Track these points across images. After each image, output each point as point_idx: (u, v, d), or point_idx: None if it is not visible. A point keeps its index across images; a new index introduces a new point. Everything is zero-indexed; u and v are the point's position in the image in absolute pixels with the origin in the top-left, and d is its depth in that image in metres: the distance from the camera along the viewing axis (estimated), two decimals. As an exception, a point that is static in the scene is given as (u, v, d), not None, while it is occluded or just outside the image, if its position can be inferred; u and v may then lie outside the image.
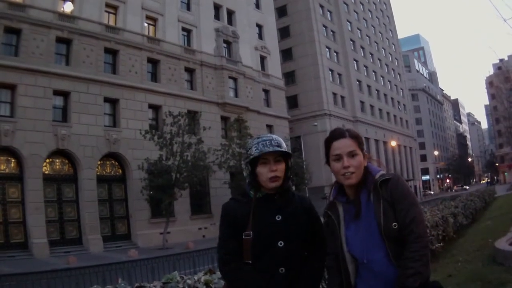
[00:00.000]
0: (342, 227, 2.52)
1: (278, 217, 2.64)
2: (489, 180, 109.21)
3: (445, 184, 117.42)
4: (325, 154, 2.60)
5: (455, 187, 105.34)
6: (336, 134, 2.57)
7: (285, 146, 2.69)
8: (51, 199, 25.97)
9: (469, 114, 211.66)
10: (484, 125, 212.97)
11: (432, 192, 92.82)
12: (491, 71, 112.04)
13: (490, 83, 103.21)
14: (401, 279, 2.27)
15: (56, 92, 27.15)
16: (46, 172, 26.36)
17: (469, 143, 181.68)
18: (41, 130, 25.61)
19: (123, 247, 27.23)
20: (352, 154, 2.48)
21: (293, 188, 2.93)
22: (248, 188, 2.75)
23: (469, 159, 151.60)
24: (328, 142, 2.57)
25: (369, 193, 2.48)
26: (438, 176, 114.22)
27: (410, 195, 2.46)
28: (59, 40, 27.99)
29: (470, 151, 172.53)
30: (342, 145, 2.50)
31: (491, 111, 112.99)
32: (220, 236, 2.72)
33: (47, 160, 26.52)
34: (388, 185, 2.45)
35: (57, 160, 27.30)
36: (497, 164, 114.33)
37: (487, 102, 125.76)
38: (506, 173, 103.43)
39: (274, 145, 2.64)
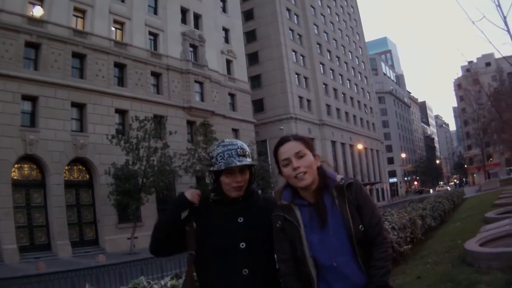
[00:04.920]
0: (303, 232, 2.51)
1: (240, 219, 2.69)
2: (457, 182, 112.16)
3: (413, 186, 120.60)
4: (276, 164, 2.64)
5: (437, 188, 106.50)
6: (281, 140, 2.63)
7: (249, 153, 2.76)
8: (20, 204, 26.84)
9: (437, 117, 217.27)
10: (452, 127, 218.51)
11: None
12: (459, 73, 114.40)
13: (458, 85, 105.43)
14: (376, 278, 2.39)
15: (25, 97, 28.09)
16: (15, 177, 27.29)
17: (437, 145, 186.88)
18: (9, 135, 26.51)
19: (92, 252, 28.23)
20: (299, 155, 2.53)
21: (260, 192, 3.00)
22: (210, 193, 2.82)
23: (437, 161, 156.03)
24: (275, 151, 2.62)
25: (332, 196, 2.54)
26: (405, 178, 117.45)
27: (371, 199, 2.62)
28: (28, 44, 29.01)
29: (438, 153, 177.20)
30: (288, 148, 2.56)
31: (459, 113, 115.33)
32: None
33: (16, 166, 27.41)
34: (353, 189, 2.53)
35: (25, 166, 28.25)
36: (466, 166, 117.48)
37: (456, 104, 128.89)
38: (475, 175, 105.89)
39: (239, 154, 2.66)
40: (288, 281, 2.54)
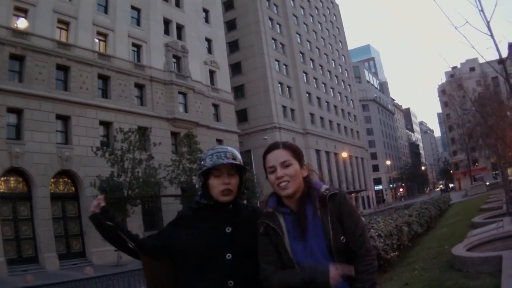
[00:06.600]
0: (287, 239, 2.54)
1: (228, 229, 2.68)
2: (443, 188, 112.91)
3: (399, 194, 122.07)
4: (264, 170, 2.66)
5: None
6: (270, 147, 2.66)
7: (240, 159, 2.78)
8: (7, 217, 27.27)
9: (421, 123, 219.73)
10: (437, 133, 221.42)
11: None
12: (443, 79, 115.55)
13: (442, 91, 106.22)
14: None
15: (10, 110, 28.59)
16: (2, 190, 27.78)
17: (422, 151, 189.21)
18: (-5, 148, 27.13)
19: (79, 264, 28.61)
20: (285, 165, 2.55)
21: (245, 201, 2.98)
22: (199, 198, 2.81)
23: (423, 168, 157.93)
24: (264, 157, 2.65)
25: (314, 206, 2.56)
26: (391, 185, 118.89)
27: (355, 210, 2.63)
28: (13, 57, 29.55)
29: (423, 160, 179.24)
30: (275, 156, 2.59)
31: (443, 119, 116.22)
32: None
33: (2, 179, 27.85)
34: (336, 200, 2.54)
35: (12, 178, 28.67)
36: (451, 172, 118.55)
37: (440, 110, 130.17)
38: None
39: (228, 157, 2.68)
40: (275, 277, 2.50)
